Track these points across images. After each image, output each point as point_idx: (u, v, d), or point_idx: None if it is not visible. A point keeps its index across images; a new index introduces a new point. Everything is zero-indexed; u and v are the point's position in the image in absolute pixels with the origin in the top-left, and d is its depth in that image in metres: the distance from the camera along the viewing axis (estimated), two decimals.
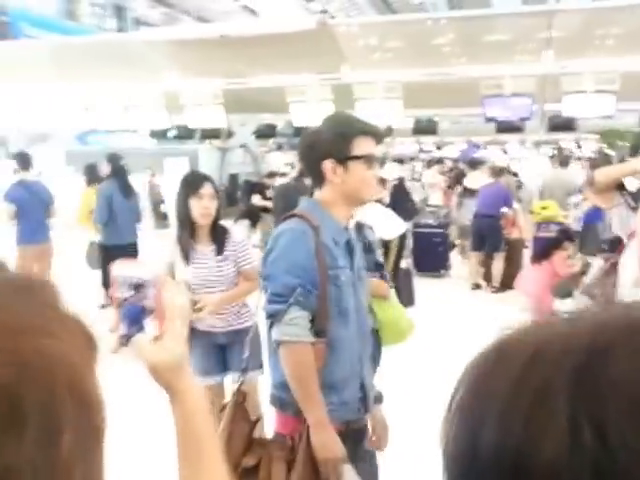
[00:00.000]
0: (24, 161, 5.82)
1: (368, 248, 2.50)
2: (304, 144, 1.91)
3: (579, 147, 23.36)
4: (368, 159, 1.82)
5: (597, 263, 2.89)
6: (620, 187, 2.79)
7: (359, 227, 2.59)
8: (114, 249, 5.20)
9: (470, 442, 0.38)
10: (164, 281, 0.81)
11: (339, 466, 1.73)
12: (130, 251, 5.27)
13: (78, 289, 6.12)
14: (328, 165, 1.79)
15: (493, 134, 12.01)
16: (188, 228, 2.89)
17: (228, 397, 2.86)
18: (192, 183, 2.90)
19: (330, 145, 1.80)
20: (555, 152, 21.12)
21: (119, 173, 5.42)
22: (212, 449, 0.81)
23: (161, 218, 12.49)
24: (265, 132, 13.27)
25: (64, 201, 6.67)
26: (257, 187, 10.13)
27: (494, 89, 8.82)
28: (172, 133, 12.10)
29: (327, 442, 1.71)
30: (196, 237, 2.91)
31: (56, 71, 9.98)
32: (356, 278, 1.89)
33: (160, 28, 17.07)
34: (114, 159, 5.58)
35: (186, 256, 2.89)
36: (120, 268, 0.82)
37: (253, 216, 8.29)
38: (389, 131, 12.51)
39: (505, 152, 24.01)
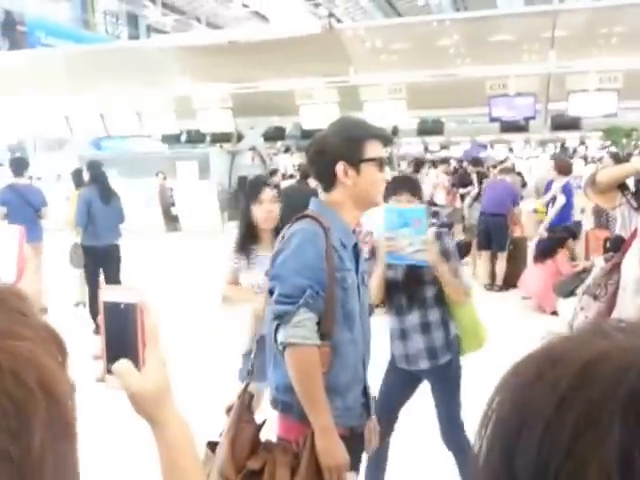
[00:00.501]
0: (17, 166, 6.07)
1: (446, 255, 2.47)
2: (314, 149, 1.87)
3: (584, 145, 23.14)
4: (379, 162, 1.82)
5: (599, 263, 2.83)
6: (622, 187, 2.73)
7: (438, 235, 2.57)
8: (92, 250, 5.46)
9: (505, 455, 0.35)
10: (147, 306, 0.76)
11: (343, 473, 1.68)
12: (110, 251, 5.51)
13: (65, 289, 6.21)
14: (340, 167, 1.78)
15: (498, 134, 11.91)
16: (250, 234, 2.90)
17: None
18: (252, 189, 2.90)
19: (342, 148, 1.78)
20: (557, 151, 20.96)
21: (98, 179, 5.57)
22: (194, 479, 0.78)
23: (171, 221, 12.52)
24: (273, 135, 13.29)
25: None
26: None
27: (499, 89, 8.74)
28: (184, 137, 12.13)
29: (332, 448, 1.67)
30: (259, 242, 2.92)
31: (71, 78, 10.05)
32: (360, 282, 1.86)
33: (171, 35, 17.11)
34: (94, 166, 5.72)
35: (247, 261, 2.87)
36: (107, 293, 0.78)
37: None
38: (395, 132, 12.44)
39: (511, 150, 23.85)
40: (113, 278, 5.51)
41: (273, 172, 10.40)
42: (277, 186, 10.67)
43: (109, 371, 0.76)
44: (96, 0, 23.51)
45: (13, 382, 0.42)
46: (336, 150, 1.78)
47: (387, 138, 1.91)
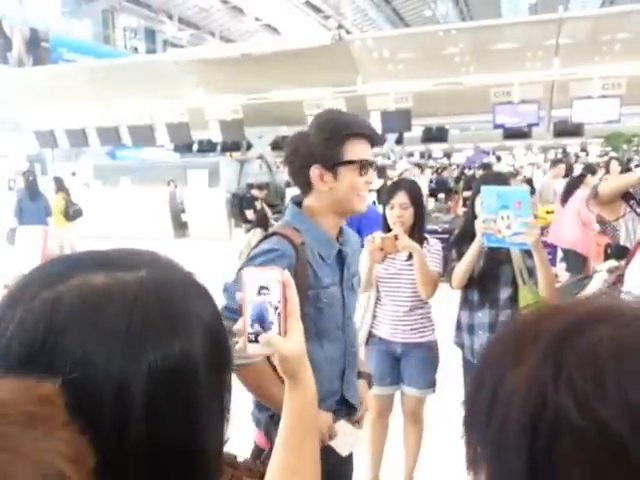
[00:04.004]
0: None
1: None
2: (290, 148, 1.62)
3: (585, 151, 22.82)
4: (360, 164, 1.56)
5: (601, 270, 2.65)
6: (626, 197, 2.57)
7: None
8: None
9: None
10: (289, 282, 0.83)
11: (333, 430, 1.59)
12: None
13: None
14: (315, 172, 1.55)
15: (500, 140, 11.67)
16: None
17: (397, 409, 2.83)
18: (387, 194, 2.75)
19: (318, 149, 1.54)
20: (561, 157, 20.64)
21: (29, 185, 7.82)
22: (315, 441, 0.85)
23: (180, 227, 12.46)
24: (281, 144, 13.17)
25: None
26: (246, 201, 9.56)
27: (504, 96, 8.51)
28: (196, 147, 12.06)
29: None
30: None
31: (89, 91, 9.98)
32: (346, 288, 1.67)
33: (186, 49, 17.07)
34: (27, 175, 8.04)
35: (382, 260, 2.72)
36: (250, 273, 0.85)
37: (265, 224, 8.12)
38: (400, 140, 12.23)
39: (514, 157, 23.57)
40: None
41: (251, 186, 10.17)
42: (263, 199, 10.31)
43: (250, 340, 0.84)
44: (116, 17, 23.61)
45: None
46: (311, 151, 1.55)
47: (372, 136, 1.62)
